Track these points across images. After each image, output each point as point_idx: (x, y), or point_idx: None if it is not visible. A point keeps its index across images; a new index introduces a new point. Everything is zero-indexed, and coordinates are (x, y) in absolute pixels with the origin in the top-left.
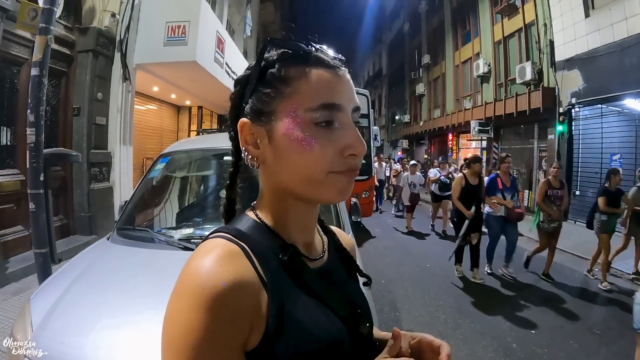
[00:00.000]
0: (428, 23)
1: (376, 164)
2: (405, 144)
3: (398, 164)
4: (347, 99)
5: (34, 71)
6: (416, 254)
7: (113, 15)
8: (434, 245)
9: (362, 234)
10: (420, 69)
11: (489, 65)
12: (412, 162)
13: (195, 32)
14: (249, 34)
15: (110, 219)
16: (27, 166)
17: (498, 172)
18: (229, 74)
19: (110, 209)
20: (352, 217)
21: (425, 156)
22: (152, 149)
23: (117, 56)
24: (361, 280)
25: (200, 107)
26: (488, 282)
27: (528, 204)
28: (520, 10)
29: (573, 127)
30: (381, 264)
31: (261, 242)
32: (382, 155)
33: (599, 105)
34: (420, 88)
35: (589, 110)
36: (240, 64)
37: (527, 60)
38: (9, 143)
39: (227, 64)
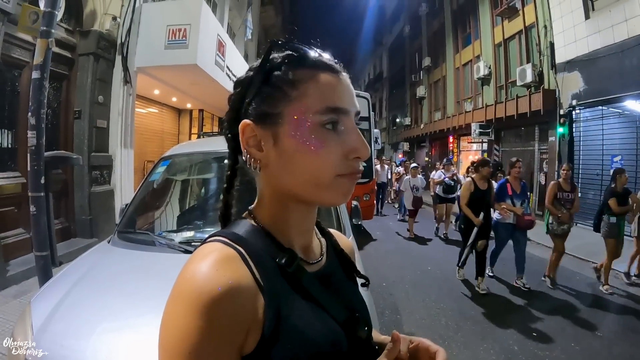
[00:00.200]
0: (428, 26)
1: (378, 167)
2: (406, 146)
3: (400, 167)
4: (351, 103)
5: (35, 74)
6: (417, 256)
7: (114, 18)
8: (434, 248)
9: (363, 237)
10: (421, 72)
11: (490, 68)
12: (413, 164)
13: (196, 35)
14: (250, 37)
15: (111, 222)
16: (28, 169)
17: (508, 177)
18: (229, 77)
19: (111, 212)
20: (353, 220)
21: (426, 159)
22: (153, 152)
23: (118, 59)
24: (359, 281)
25: (201, 110)
26: (492, 288)
27: (529, 205)
28: (521, 12)
29: (574, 129)
30: (382, 267)
31: (258, 246)
32: (384, 158)
33: (600, 107)
34: (420, 91)
35: (589, 112)
36: (241, 67)
37: (528, 62)
38: (10, 146)
39: (228, 67)
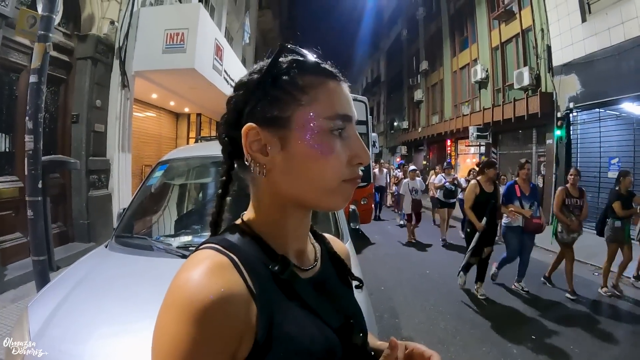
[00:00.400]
0: (426, 29)
1: (376, 171)
2: (404, 150)
3: (398, 170)
4: (353, 110)
5: (33, 78)
6: (415, 260)
7: (112, 22)
8: (433, 251)
9: (361, 241)
10: (419, 76)
11: (487, 71)
12: (412, 167)
13: (194, 40)
14: (248, 42)
15: (109, 227)
16: (26, 173)
17: (516, 179)
18: (227, 82)
19: (109, 217)
20: (351, 224)
21: (424, 162)
22: (150, 156)
23: (116, 63)
24: (354, 284)
25: (199, 115)
26: (491, 291)
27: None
28: (518, 15)
29: (571, 132)
30: (381, 271)
31: (251, 253)
32: (382, 162)
33: (597, 110)
34: (418, 94)
35: (586, 114)
36: (238, 71)
37: (525, 65)
38: (7, 150)
39: (225, 71)
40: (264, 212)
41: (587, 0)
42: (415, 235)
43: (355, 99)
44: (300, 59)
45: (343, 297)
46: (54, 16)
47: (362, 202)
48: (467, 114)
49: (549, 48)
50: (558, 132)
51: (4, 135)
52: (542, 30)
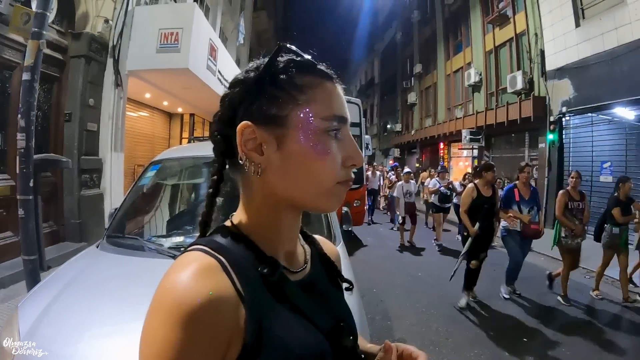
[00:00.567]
0: (420, 33)
1: (369, 173)
2: (396, 152)
3: (392, 172)
4: (347, 112)
5: (26, 76)
6: (408, 262)
7: (106, 21)
8: (425, 254)
9: (353, 243)
10: (412, 78)
11: (480, 75)
12: (406, 170)
13: (188, 39)
14: (242, 42)
15: (101, 226)
16: (17, 171)
17: (516, 182)
18: (221, 82)
19: (101, 216)
20: (344, 226)
21: (417, 165)
22: (143, 156)
23: (110, 62)
24: (344, 286)
25: (192, 115)
26: (482, 294)
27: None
28: (512, 20)
29: (564, 136)
30: (373, 273)
31: (240, 255)
32: (375, 164)
33: (590, 114)
34: (412, 97)
35: (579, 118)
36: (232, 72)
37: (518, 69)
38: None
39: (219, 71)
40: (255, 213)
41: (581, 5)
42: (413, 239)
43: (348, 101)
44: (299, 58)
45: (333, 299)
46: (48, 13)
47: (354, 204)
48: (461, 117)
49: (542, 52)
50: (551, 136)
51: None
52: (536, 34)
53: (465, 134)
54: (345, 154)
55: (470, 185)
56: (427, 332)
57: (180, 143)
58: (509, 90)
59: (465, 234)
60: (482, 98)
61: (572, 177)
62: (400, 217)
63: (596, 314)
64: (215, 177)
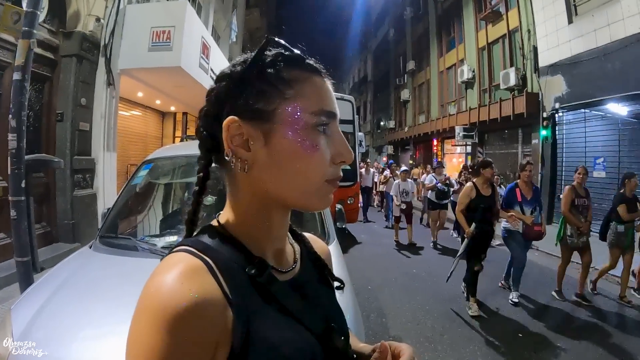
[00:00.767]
0: (413, 30)
1: (362, 170)
2: (390, 149)
3: (387, 170)
4: (337, 108)
5: (16, 75)
6: (402, 259)
7: (98, 19)
8: (420, 251)
9: (347, 240)
10: (405, 75)
11: (474, 71)
12: (403, 168)
13: (180, 38)
14: (235, 40)
15: (94, 227)
16: (9, 172)
17: (518, 181)
18: (214, 80)
19: (94, 216)
20: (337, 223)
21: (411, 162)
22: (136, 155)
23: (102, 61)
24: (335, 284)
25: (185, 113)
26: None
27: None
28: (504, 16)
29: (557, 132)
30: (367, 270)
31: (227, 255)
32: (369, 161)
33: (582, 110)
34: (405, 94)
35: (572, 114)
36: None
37: (511, 66)
38: None
39: (212, 69)
40: (242, 211)
41: (574, 2)
42: (411, 237)
43: (342, 98)
44: (287, 52)
45: (324, 299)
46: (39, 12)
47: (348, 202)
48: (454, 114)
49: (535, 49)
50: (544, 132)
51: None
52: (529, 31)
53: (458, 130)
54: (334, 151)
55: (469, 184)
56: (422, 329)
57: (173, 142)
58: (502, 86)
59: (465, 235)
60: (475, 94)
61: (579, 173)
62: (392, 215)
63: (592, 312)
64: (201, 174)
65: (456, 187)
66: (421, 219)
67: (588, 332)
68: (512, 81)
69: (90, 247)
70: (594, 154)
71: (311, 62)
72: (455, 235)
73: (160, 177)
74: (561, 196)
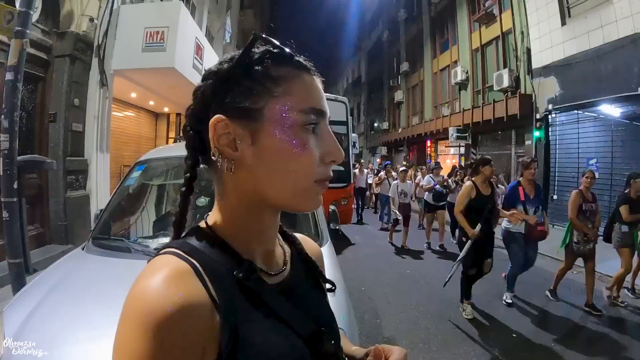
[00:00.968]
0: (407, 31)
1: (356, 171)
2: (384, 151)
3: (382, 171)
4: (326, 106)
5: (9, 76)
6: (396, 260)
7: (91, 19)
8: (414, 252)
9: (341, 242)
10: (399, 77)
11: (467, 73)
12: (402, 168)
13: (174, 38)
14: (229, 41)
15: (87, 228)
16: (1, 173)
17: (520, 179)
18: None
19: (87, 218)
20: (331, 224)
21: (404, 163)
22: (129, 156)
23: (95, 61)
24: (327, 286)
25: (178, 115)
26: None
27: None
28: (498, 18)
29: (550, 133)
30: (361, 271)
31: (215, 258)
32: (362, 161)
33: (576, 111)
34: (398, 95)
35: (565, 116)
36: None
37: (505, 67)
38: None
39: (205, 70)
40: (230, 213)
41: (567, 4)
42: (405, 240)
43: (335, 100)
44: (275, 50)
45: (314, 301)
46: (32, 12)
47: (342, 203)
48: (447, 115)
49: (528, 51)
50: (537, 133)
51: None
52: (522, 33)
53: (452, 131)
54: (324, 150)
55: (469, 183)
56: (416, 330)
57: (167, 143)
58: (496, 88)
59: (464, 239)
60: (469, 96)
61: (587, 177)
62: (392, 218)
63: (588, 313)
64: (188, 175)
65: (452, 186)
66: (420, 224)
67: (583, 333)
68: (506, 83)
69: (83, 249)
70: (587, 155)
71: (300, 59)
72: (454, 241)
73: (154, 178)
74: (554, 197)
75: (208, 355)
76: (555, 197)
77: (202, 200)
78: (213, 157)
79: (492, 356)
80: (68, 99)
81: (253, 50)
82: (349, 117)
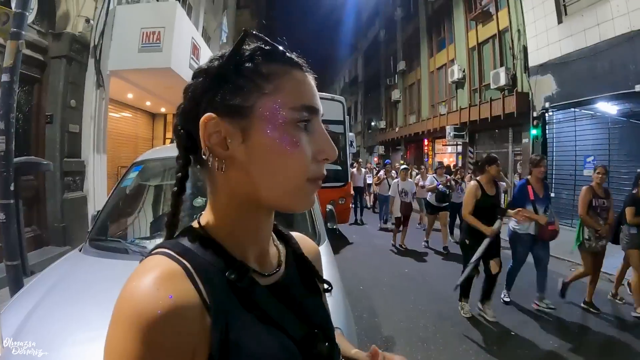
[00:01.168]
0: (403, 30)
1: (354, 170)
2: (381, 150)
3: (382, 170)
4: (319, 103)
5: (5, 77)
6: (394, 259)
7: (87, 20)
8: (412, 252)
9: (339, 241)
10: (396, 76)
11: (464, 71)
12: (403, 166)
13: (170, 39)
14: (225, 41)
15: (85, 229)
16: None
17: (529, 177)
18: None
19: (85, 219)
20: (328, 224)
21: (401, 161)
22: (126, 157)
23: (91, 62)
24: (324, 287)
25: (175, 115)
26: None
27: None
28: (495, 16)
29: (547, 131)
30: (359, 270)
31: (207, 259)
32: (360, 160)
33: (572, 109)
34: (395, 94)
35: (562, 114)
36: None
37: (501, 65)
38: None
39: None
40: (222, 212)
41: (564, 2)
42: (403, 240)
43: (332, 99)
44: (265, 46)
45: (309, 303)
46: (27, 13)
47: (339, 202)
48: (444, 114)
49: (525, 49)
50: (534, 132)
51: None
52: (519, 31)
53: (449, 130)
54: (316, 148)
55: (474, 183)
56: (415, 329)
57: (164, 143)
58: (493, 86)
59: (468, 242)
60: (466, 94)
61: (598, 173)
62: (393, 217)
63: (587, 311)
64: (179, 174)
65: (454, 185)
66: (419, 223)
67: (581, 331)
68: (502, 81)
69: (80, 250)
70: (584, 152)
71: (291, 56)
72: (452, 239)
73: (151, 179)
74: (552, 194)
75: (198, 357)
76: (553, 195)
77: (199, 201)
78: (204, 156)
79: (490, 354)
80: (64, 100)
81: (244, 47)
82: (346, 117)
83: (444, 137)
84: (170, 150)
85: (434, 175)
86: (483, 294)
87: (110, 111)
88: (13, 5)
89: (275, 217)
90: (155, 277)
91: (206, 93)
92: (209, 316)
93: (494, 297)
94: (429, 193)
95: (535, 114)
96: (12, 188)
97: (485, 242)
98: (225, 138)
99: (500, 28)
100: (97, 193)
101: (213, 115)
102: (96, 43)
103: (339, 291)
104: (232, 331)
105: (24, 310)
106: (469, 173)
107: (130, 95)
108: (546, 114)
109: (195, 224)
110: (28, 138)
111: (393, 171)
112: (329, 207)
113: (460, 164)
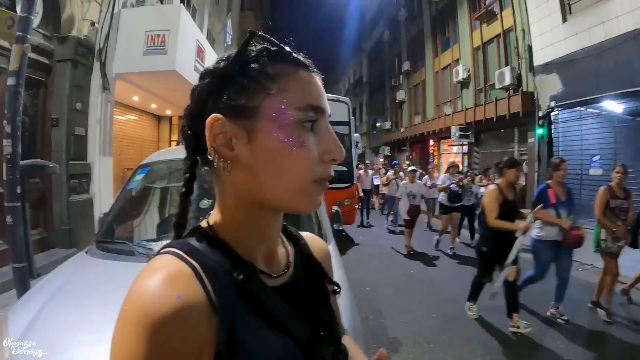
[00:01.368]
0: (408, 30)
1: (361, 172)
2: (386, 150)
3: (390, 170)
4: (326, 103)
5: (11, 81)
6: (400, 260)
7: (92, 24)
8: (417, 253)
9: (345, 242)
10: (401, 76)
11: (469, 71)
12: (411, 167)
13: (175, 41)
14: (230, 43)
15: (91, 232)
16: (4, 178)
17: (549, 181)
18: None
19: (91, 221)
20: (334, 225)
21: (407, 162)
22: (132, 159)
23: (97, 66)
24: (333, 288)
25: (181, 117)
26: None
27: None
28: (499, 16)
29: (553, 130)
30: (365, 272)
31: (215, 259)
32: (368, 162)
33: (578, 108)
34: (400, 95)
35: (567, 113)
36: None
37: (506, 65)
38: None
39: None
40: (229, 213)
41: (568, 0)
42: (410, 242)
43: (337, 100)
44: (271, 47)
45: (317, 305)
46: (33, 17)
47: (345, 203)
48: (450, 114)
49: (530, 48)
50: (540, 131)
51: None
52: (523, 30)
53: (454, 130)
54: (323, 149)
55: (493, 187)
56: (421, 330)
57: (170, 146)
58: (497, 86)
59: (486, 248)
60: (471, 94)
61: (617, 172)
62: (401, 218)
63: (599, 314)
64: (187, 175)
65: (471, 189)
66: (428, 224)
67: (588, 332)
68: (507, 80)
69: (87, 252)
70: (590, 151)
71: (298, 56)
72: (458, 240)
73: (157, 181)
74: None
75: (205, 357)
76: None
77: (205, 203)
78: (210, 157)
79: (497, 356)
80: (70, 103)
81: (250, 48)
82: (351, 118)
83: (450, 137)
84: (176, 152)
85: (447, 174)
86: (509, 307)
87: (115, 114)
88: (18, 9)
89: (283, 218)
90: (163, 277)
91: (212, 94)
92: (215, 316)
93: (500, 298)
94: (441, 193)
95: (540, 114)
96: (18, 191)
97: (518, 242)
98: (231, 139)
99: (505, 27)
100: (103, 195)
101: (219, 115)
102: (101, 46)
103: (346, 292)
104: (239, 332)
105: (31, 311)
106: (476, 174)
107: (135, 98)
108: (552, 113)
109: (204, 224)
110: (34, 141)
111: (401, 172)
112: (335, 208)
113: (466, 164)
